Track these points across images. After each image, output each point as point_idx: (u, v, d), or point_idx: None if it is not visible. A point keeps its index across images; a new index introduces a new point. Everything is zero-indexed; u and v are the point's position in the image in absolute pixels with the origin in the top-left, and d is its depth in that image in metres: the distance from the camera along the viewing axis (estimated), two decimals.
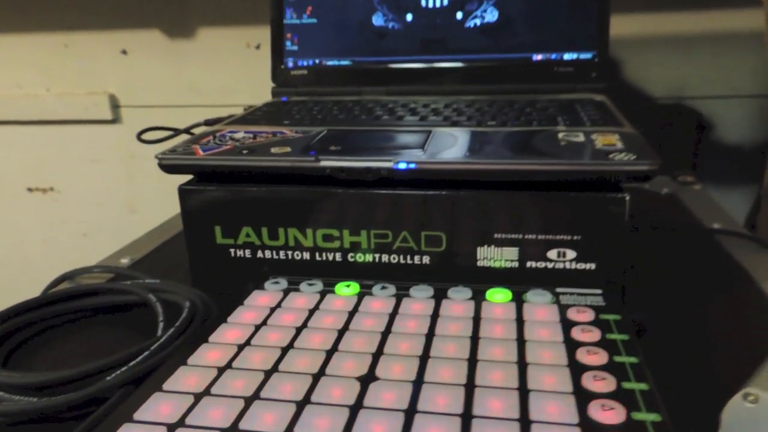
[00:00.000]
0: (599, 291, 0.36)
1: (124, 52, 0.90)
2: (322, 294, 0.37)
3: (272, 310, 0.35)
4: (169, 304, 0.37)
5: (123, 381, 0.29)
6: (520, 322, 0.33)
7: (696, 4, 0.74)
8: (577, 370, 0.28)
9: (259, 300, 0.37)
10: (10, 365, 0.33)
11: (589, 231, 0.37)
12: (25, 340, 0.36)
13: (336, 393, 0.27)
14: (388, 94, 0.56)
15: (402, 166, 0.37)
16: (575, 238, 0.37)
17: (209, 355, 0.31)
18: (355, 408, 0.26)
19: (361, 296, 0.36)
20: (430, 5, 0.56)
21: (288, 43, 0.59)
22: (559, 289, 0.36)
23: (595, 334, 0.32)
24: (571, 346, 0.31)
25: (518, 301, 0.35)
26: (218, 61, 0.87)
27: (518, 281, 0.37)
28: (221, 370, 0.29)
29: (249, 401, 0.27)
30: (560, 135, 0.40)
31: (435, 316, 0.34)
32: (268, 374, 0.29)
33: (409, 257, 0.39)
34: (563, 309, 0.34)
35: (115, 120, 0.93)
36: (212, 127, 0.48)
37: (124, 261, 0.47)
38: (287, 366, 0.29)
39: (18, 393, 0.29)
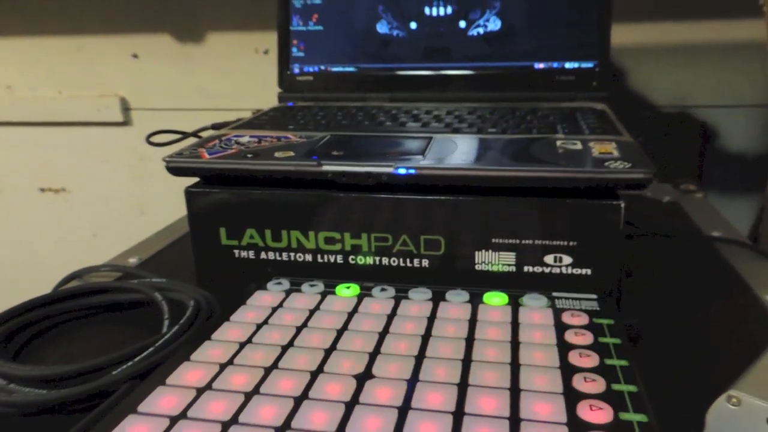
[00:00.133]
0: (594, 296, 0.37)
1: (135, 56, 0.91)
2: (323, 295, 0.38)
3: (274, 309, 0.36)
4: (174, 303, 0.38)
5: (128, 375, 0.30)
6: (515, 324, 0.34)
7: (700, 15, 0.75)
8: (568, 371, 0.29)
9: (262, 300, 0.38)
10: (21, 359, 0.34)
11: (584, 237, 0.38)
12: (36, 335, 0.37)
13: (333, 390, 0.28)
14: (392, 101, 0.57)
15: (402, 171, 0.38)
16: (571, 243, 0.38)
17: (212, 351, 0.32)
18: (351, 404, 0.27)
19: (360, 298, 0.37)
20: (434, 14, 0.57)
21: (294, 50, 0.60)
22: (555, 294, 0.37)
23: (587, 338, 0.32)
24: (564, 348, 0.31)
25: (514, 304, 0.36)
26: (227, 65, 0.88)
27: (515, 285, 0.38)
28: (223, 366, 0.30)
29: (249, 396, 0.28)
30: (558, 143, 0.41)
31: (432, 318, 0.35)
32: (268, 371, 0.30)
33: (408, 260, 0.40)
34: (558, 313, 0.35)
35: (126, 122, 0.94)
36: (219, 131, 0.49)
37: (132, 260, 0.49)
38: (287, 363, 0.30)
39: (28, 385, 0.30)
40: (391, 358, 0.31)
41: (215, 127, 0.53)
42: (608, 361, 0.30)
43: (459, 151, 0.40)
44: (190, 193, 0.41)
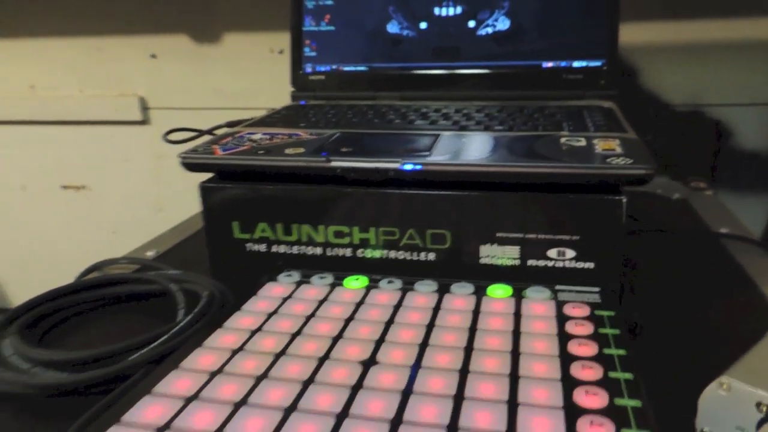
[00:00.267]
0: (597, 289, 0.38)
1: (154, 56, 0.93)
2: (332, 286, 0.39)
3: (284, 300, 0.38)
4: (189, 293, 0.39)
5: (145, 360, 0.32)
6: (517, 315, 0.35)
7: (713, 13, 0.75)
8: (566, 359, 0.30)
9: (273, 291, 0.39)
10: (44, 345, 0.36)
11: (587, 231, 0.38)
12: (58, 323, 0.38)
13: (339, 374, 0.29)
14: (402, 100, 0.58)
15: (408, 167, 0.39)
16: (574, 238, 0.39)
17: (224, 338, 0.33)
18: (356, 388, 0.28)
19: (368, 289, 0.38)
20: (444, 14, 0.58)
21: (307, 49, 0.61)
22: (558, 287, 0.38)
23: (587, 328, 0.33)
24: (564, 338, 0.32)
25: (517, 296, 0.37)
26: (242, 65, 0.90)
27: (519, 278, 0.39)
28: (234, 352, 0.31)
29: (259, 380, 0.29)
30: (563, 140, 0.42)
31: (437, 309, 0.36)
32: (277, 357, 0.31)
33: (415, 254, 0.41)
34: (560, 305, 0.36)
35: (144, 121, 0.96)
36: (232, 129, 0.50)
37: (150, 254, 0.50)
38: (296, 350, 0.32)
39: (50, 369, 0.32)
40: (395, 346, 0.32)
41: (230, 125, 0.55)
42: (606, 351, 0.31)
43: (465, 148, 0.41)
44: (204, 188, 0.42)
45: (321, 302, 0.37)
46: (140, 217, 1.02)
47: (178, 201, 0.99)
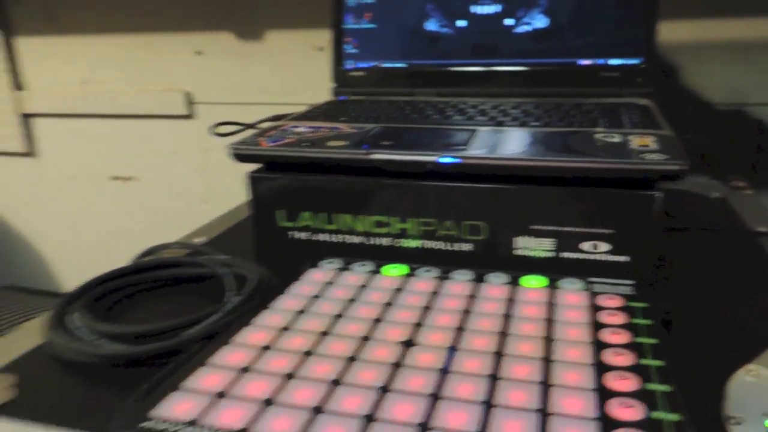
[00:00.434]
0: (631, 282, 0.39)
1: (199, 52, 0.97)
2: (372, 274, 0.41)
3: (326, 285, 0.40)
4: (237, 276, 0.41)
5: (199, 335, 0.34)
6: (551, 304, 0.36)
7: (755, 11, 0.74)
8: (599, 346, 0.31)
9: (315, 276, 0.41)
10: (107, 319, 0.39)
11: (622, 225, 0.39)
12: (118, 301, 0.41)
13: (381, 353, 0.31)
14: (440, 96, 0.60)
15: (446, 160, 0.41)
16: (609, 231, 0.40)
17: (271, 318, 0.35)
18: (396, 366, 0.30)
19: (406, 277, 0.40)
20: (481, 12, 0.59)
21: (347, 47, 0.63)
22: (591, 279, 0.39)
23: (620, 318, 0.34)
24: (597, 326, 0.33)
25: (551, 287, 0.38)
26: (284, 61, 0.93)
27: (553, 270, 0.40)
28: (281, 331, 0.34)
29: (305, 356, 0.31)
30: (598, 136, 0.43)
31: (473, 297, 0.37)
32: (321, 336, 0.33)
33: (451, 244, 0.43)
34: (593, 295, 0.37)
35: (190, 115, 1.00)
36: (277, 122, 0.53)
37: (198, 240, 0.53)
38: (339, 330, 0.33)
39: (115, 341, 0.34)
40: (433, 329, 0.33)
41: (274, 119, 0.57)
42: (638, 339, 0.32)
43: (501, 142, 0.43)
44: (252, 178, 0.45)
45: (362, 288, 0.39)
46: (184, 207, 1.06)
47: (223, 193, 1.03)
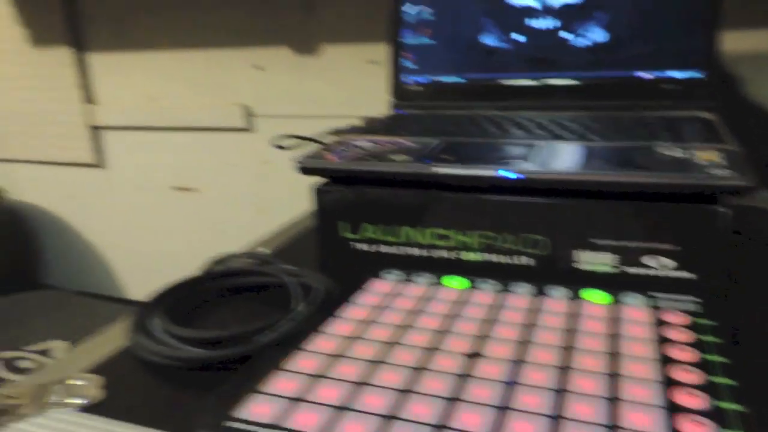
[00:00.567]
0: (696, 299, 0.38)
1: (258, 67, 1.00)
2: (434, 286, 0.42)
3: (390, 295, 0.41)
4: (303, 286, 0.43)
5: (271, 342, 0.36)
6: (613, 319, 0.36)
7: None
8: (666, 362, 0.31)
9: (378, 287, 0.42)
10: (182, 324, 0.41)
11: (687, 241, 0.39)
12: (193, 307, 0.44)
13: (447, 363, 0.32)
14: (497, 110, 0.60)
15: (507, 174, 0.41)
16: (673, 247, 0.40)
17: (339, 326, 0.37)
18: (463, 377, 0.31)
19: (468, 289, 0.41)
20: (539, 26, 0.60)
21: (405, 62, 0.65)
22: (655, 294, 0.39)
23: (687, 335, 0.34)
24: (662, 342, 0.33)
25: (613, 302, 0.38)
26: (339, 75, 0.95)
27: (615, 285, 0.40)
28: (350, 339, 0.35)
29: (374, 364, 0.32)
30: (661, 150, 0.42)
31: (534, 310, 0.38)
32: (388, 345, 0.34)
33: (511, 257, 0.43)
34: (657, 311, 0.37)
35: (249, 128, 1.04)
36: (340, 136, 0.54)
37: (263, 250, 0.55)
38: (405, 340, 0.35)
39: (191, 345, 0.37)
40: (497, 342, 0.34)
41: (335, 132, 0.59)
42: (707, 357, 0.32)
43: (561, 157, 0.43)
44: (318, 191, 0.46)
45: (424, 299, 0.40)
46: (240, 217, 1.09)
47: (275, 203, 1.06)
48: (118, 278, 1.25)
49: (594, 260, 0.41)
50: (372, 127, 0.58)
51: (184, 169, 1.11)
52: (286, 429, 0.27)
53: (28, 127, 1.21)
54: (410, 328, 0.36)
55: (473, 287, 0.41)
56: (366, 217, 0.46)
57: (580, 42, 0.59)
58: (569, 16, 0.59)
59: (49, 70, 1.14)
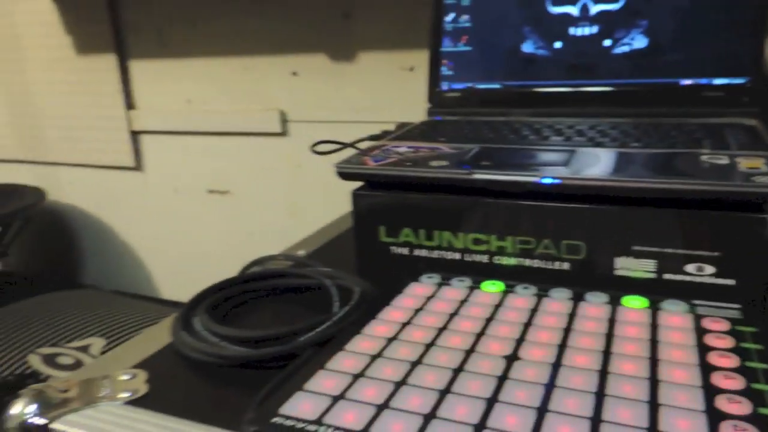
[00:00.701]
0: (737, 305, 0.38)
1: (295, 73, 1.02)
2: (471, 289, 0.42)
3: (427, 298, 0.41)
4: (341, 288, 0.44)
5: (312, 342, 0.37)
6: (653, 326, 0.36)
7: None
8: (707, 369, 0.31)
9: (416, 290, 0.43)
10: (224, 323, 0.42)
11: (729, 249, 0.39)
12: (234, 307, 0.45)
13: (485, 365, 0.32)
14: (535, 116, 0.60)
15: (546, 181, 0.42)
16: (714, 254, 0.39)
17: (378, 328, 0.37)
18: (502, 379, 0.31)
19: (505, 293, 0.41)
20: (579, 33, 0.60)
21: (444, 68, 0.66)
22: (696, 301, 0.39)
23: (728, 342, 0.34)
24: (704, 349, 0.33)
25: (653, 308, 0.38)
26: (375, 81, 0.96)
27: (655, 292, 0.40)
28: (389, 340, 0.36)
29: (414, 365, 0.33)
30: (703, 157, 0.42)
31: (572, 315, 0.38)
32: (427, 347, 0.35)
33: (549, 263, 0.43)
34: (698, 318, 0.37)
35: (284, 133, 1.05)
36: (377, 142, 0.55)
37: (300, 253, 0.56)
38: (443, 342, 0.35)
39: (233, 343, 0.38)
40: (534, 345, 0.34)
41: (372, 138, 0.60)
42: (749, 364, 0.31)
43: (601, 163, 0.43)
44: (356, 196, 0.47)
45: (462, 302, 0.40)
46: (274, 220, 1.11)
47: (307, 207, 1.07)
48: (153, 278, 1.28)
49: (633, 266, 0.41)
50: (410, 133, 0.59)
51: (219, 172, 1.14)
52: (331, 426, 0.28)
53: (70, 131, 1.25)
54: (448, 331, 0.37)
55: (510, 291, 0.42)
56: (404, 221, 0.46)
57: (622, 50, 0.58)
58: (609, 24, 0.59)
59: (93, 77, 1.18)
